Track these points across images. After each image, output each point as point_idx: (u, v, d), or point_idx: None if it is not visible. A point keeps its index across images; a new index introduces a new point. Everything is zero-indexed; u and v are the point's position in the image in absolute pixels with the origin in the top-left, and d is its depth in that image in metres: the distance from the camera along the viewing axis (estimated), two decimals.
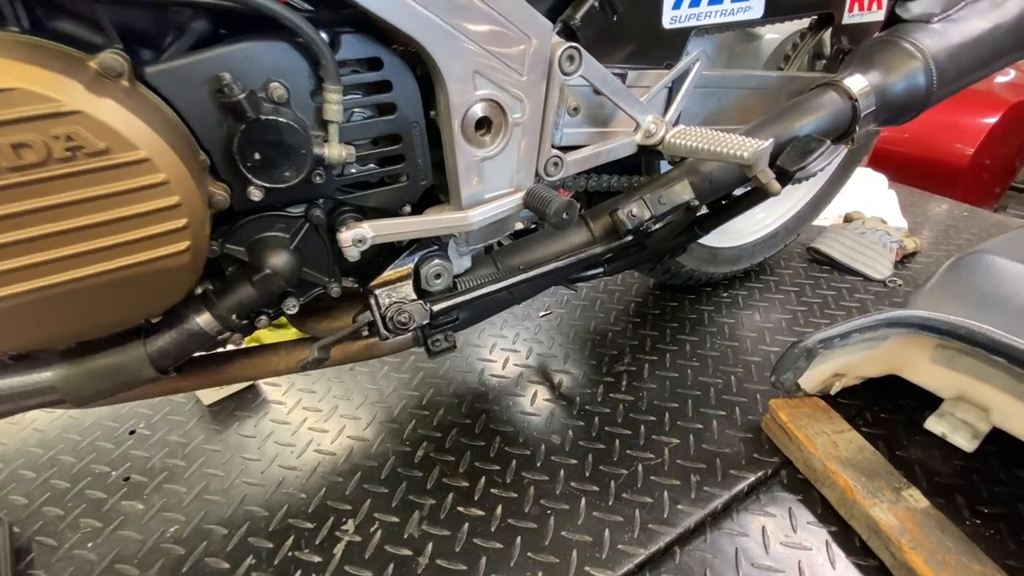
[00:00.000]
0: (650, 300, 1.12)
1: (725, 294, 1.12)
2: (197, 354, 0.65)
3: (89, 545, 0.71)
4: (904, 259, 1.22)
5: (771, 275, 1.18)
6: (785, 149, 0.57)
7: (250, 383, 0.96)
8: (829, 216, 1.31)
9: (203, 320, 0.45)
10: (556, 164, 0.55)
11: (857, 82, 0.62)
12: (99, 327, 0.37)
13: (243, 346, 0.67)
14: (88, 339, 0.42)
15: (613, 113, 0.62)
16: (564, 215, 0.48)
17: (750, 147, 0.48)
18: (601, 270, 0.79)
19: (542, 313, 1.10)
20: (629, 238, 0.61)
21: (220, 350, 0.64)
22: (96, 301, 0.35)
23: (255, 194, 0.44)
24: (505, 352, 1.00)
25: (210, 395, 0.92)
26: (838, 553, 0.65)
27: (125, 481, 0.79)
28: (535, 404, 0.88)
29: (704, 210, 0.74)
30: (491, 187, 0.52)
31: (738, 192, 0.69)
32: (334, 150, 0.44)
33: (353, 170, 0.49)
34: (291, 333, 0.98)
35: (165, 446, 0.85)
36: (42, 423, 0.91)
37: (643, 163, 0.74)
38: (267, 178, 0.43)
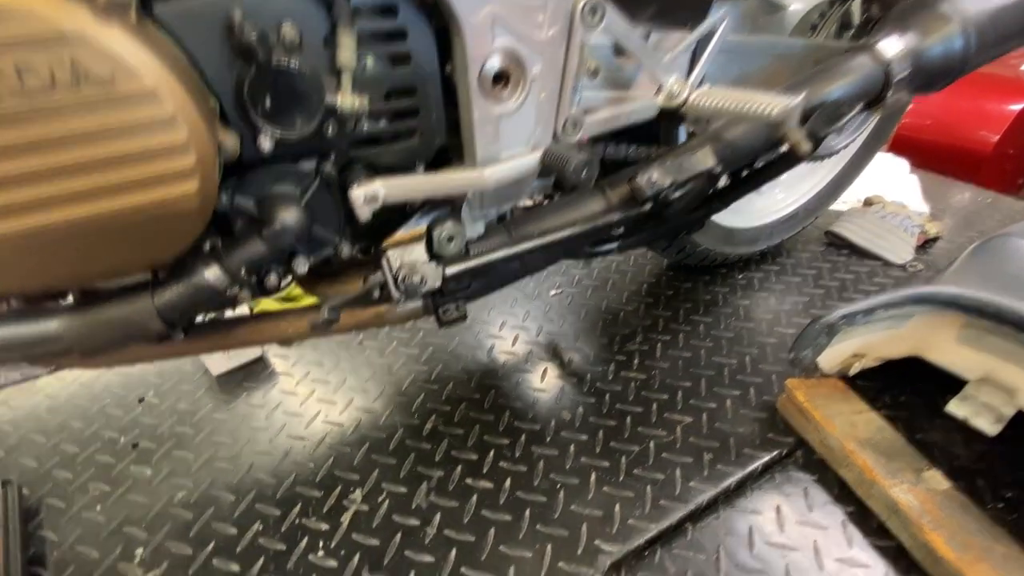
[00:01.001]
0: (663, 281, 1.10)
1: (740, 276, 1.10)
2: (205, 317, 0.64)
3: (97, 508, 0.71)
4: (925, 244, 1.19)
5: (788, 258, 1.15)
6: (814, 113, 0.55)
7: (258, 357, 0.95)
8: (848, 200, 1.27)
9: (212, 274, 0.44)
10: (575, 124, 0.53)
11: (891, 45, 0.59)
12: (104, 272, 0.36)
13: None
14: (94, 285, 0.41)
15: (633, 76, 0.59)
16: (584, 172, 0.46)
17: (779, 104, 0.46)
18: (615, 245, 0.77)
19: (553, 292, 1.09)
20: (647, 206, 0.59)
21: (229, 315, 0.64)
22: (101, 243, 0.34)
23: (265, 143, 0.42)
24: (515, 329, 0.99)
25: (219, 366, 0.92)
26: (855, 533, 0.63)
27: (134, 447, 0.79)
28: (545, 381, 0.87)
29: (723, 183, 0.72)
30: (507, 145, 0.50)
31: (760, 163, 0.67)
32: (347, 99, 0.43)
33: (366, 124, 0.47)
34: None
35: (174, 414, 0.85)
36: (53, 389, 0.92)
37: (662, 132, 0.71)
38: (278, 126, 0.42)
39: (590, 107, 0.55)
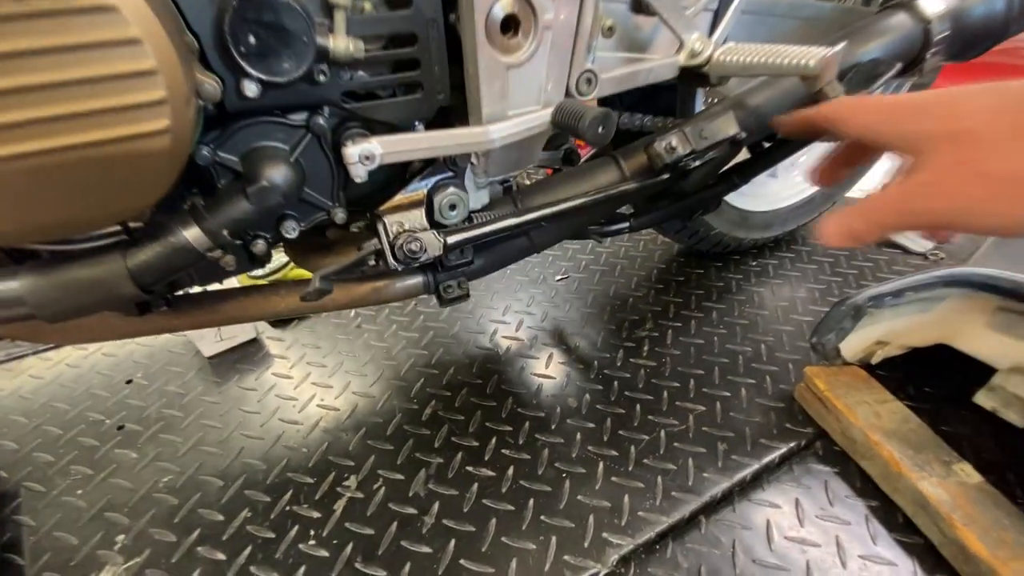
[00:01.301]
0: (674, 266, 1.06)
1: (754, 263, 1.06)
2: (191, 291, 0.61)
3: (79, 492, 0.67)
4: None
5: (803, 245, 1.11)
6: (847, 75, 0.51)
7: (252, 338, 0.91)
8: (866, 188, 1.23)
9: (191, 234, 0.40)
10: (589, 81, 0.48)
11: (932, 3, 0.55)
12: (65, 221, 0.32)
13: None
14: (55, 238, 0.37)
15: (652, 36, 0.55)
16: (600, 128, 0.42)
17: (817, 54, 0.42)
18: (627, 225, 0.73)
19: (559, 277, 1.05)
20: (665, 176, 0.55)
21: (216, 287, 0.60)
22: (61, 185, 0.30)
23: (250, 88, 0.38)
24: (519, 314, 0.95)
25: (210, 347, 0.88)
26: (879, 529, 0.59)
27: (119, 430, 0.76)
28: (550, 367, 0.83)
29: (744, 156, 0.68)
30: (516, 102, 0.46)
31: None
32: (340, 42, 0.39)
33: (362, 73, 0.43)
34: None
35: (162, 396, 0.81)
36: (38, 370, 0.88)
37: (679, 101, 0.67)
38: (263, 68, 0.38)
39: (606, 67, 0.51)
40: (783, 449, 0.68)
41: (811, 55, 0.42)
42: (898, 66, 0.50)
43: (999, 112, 0.28)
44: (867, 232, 0.34)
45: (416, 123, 0.47)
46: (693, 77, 0.53)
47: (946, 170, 0.29)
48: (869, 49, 0.53)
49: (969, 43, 0.58)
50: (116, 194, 0.32)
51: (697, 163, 0.54)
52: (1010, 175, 0.27)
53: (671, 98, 0.69)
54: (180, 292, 0.57)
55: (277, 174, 0.41)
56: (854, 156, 0.43)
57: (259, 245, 0.46)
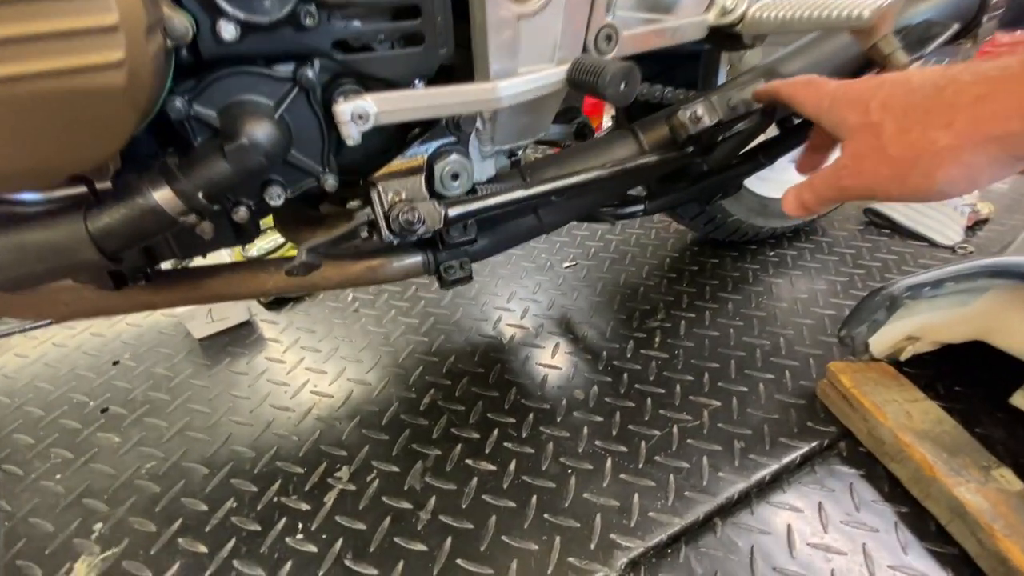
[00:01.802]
0: (687, 256, 1.01)
1: (772, 253, 1.00)
2: (172, 266, 0.56)
3: (57, 476, 0.64)
4: (974, 226, 1.09)
5: (823, 236, 1.06)
6: (901, 34, 0.46)
7: (245, 320, 0.88)
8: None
9: (161, 196, 0.36)
10: (609, 38, 0.44)
11: None
12: (8, 169, 0.28)
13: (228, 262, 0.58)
14: (1, 192, 0.33)
15: None
16: (623, 84, 0.38)
17: (871, 4, 0.37)
18: (641, 207, 0.69)
19: (567, 264, 1.00)
20: (688, 149, 0.50)
21: (202, 263, 0.56)
22: (1, 124, 0.26)
23: (227, 30, 0.34)
24: (524, 302, 0.90)
25: (201, 329, 0.84)
26: (910, 538, 0.55)
27: (103, 412, 0.72)
28: (556, 357, 0.79)
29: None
30: (527, 57, 0.41)
31: None
32: None
33: (356, 22, 0.39)
34: None
35: (149, 378, 0.78)
36: (23, 348, 0.85)
37: (700, 74, 0.62)
38: (241, 5, 0.33)
39: (627, 24, 0.46)
40: (804, 449, 0.63)
41: (864, 5, 0.37)
42: (955, 27, 0.45)
43: (890, 107, 0.35)
44: (814, 203, 0.41)
45: (416, 81, 0.43)
46: (724, 38, 0.48)
47: (862, 155, 0.37)
48: (921, 9, 0.48)
49: None
50: (68, 139, 0.28)
51: (723, 136, 0.49)
52: (903, 158, 0.34)
53: (692, 70, 0.64)
54: (168, 265, 0.53)
55: (259, 131, 0.37)
56: (822, 141, 0.47)
57: (240, 212, 0.42)
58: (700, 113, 0.47)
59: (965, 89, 0.32)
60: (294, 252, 1.01)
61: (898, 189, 0.35)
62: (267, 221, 0.60)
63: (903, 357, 0.70)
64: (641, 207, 0.68)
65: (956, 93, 0.32)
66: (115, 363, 0.81)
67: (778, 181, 0.94)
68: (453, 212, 0.45)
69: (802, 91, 0.42)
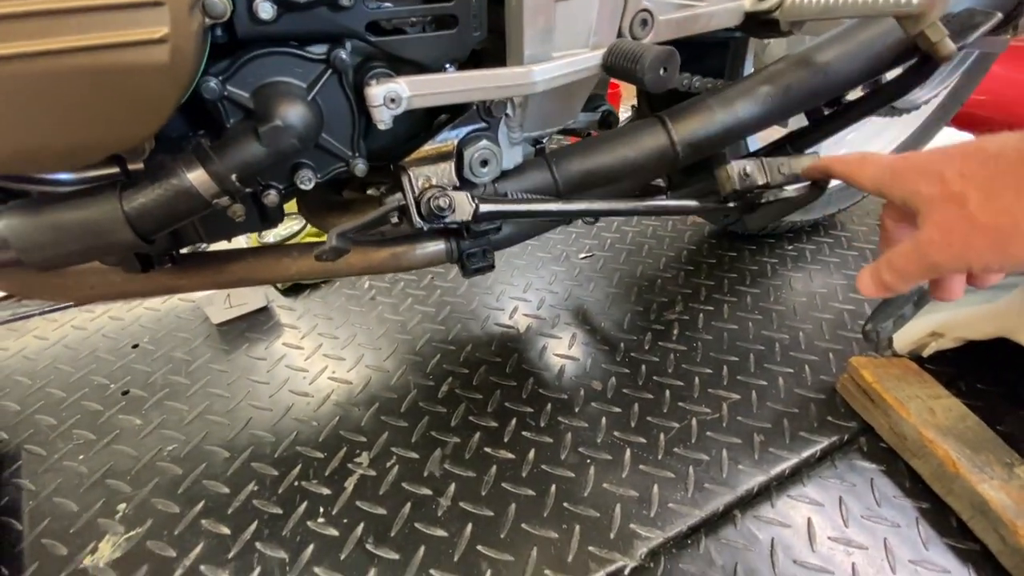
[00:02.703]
0: (705, 248, 1.00)
1: (790, 247, 1.00)
2: (197, 249, 0.57)
3: (80, 457, 0.65)
4: None
5: (843, 231, 1.04)
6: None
7: (263, 306, 0.88)
8: None
9: (195, 177, 0.36)
10: (645, 22, 0.43)
11: None
12: (50, 145, 0.27)
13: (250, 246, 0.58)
14: (41, 169, 0.33)
15: None
16: (662, 70, 0.37)
17: None
18: (664, 199, 0.68)
19: (583, 255, 1.00)
20: (729, 204, 0.50)
21: (226, 247, 0.56)
22: (45, 98, 0.25)
23: (264, 9, 0.33)
24: (541, 292, 0.90)
25: (219, 314, 0.85)
26: (931, 533, 0.55)
27: (124, 395, 0.73)
28: (573, 348, 0.79)
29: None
30: (562, 42, 0.41)
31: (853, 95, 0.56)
32: None
33: (389, 4, 0.38)
34: None
35: (169, 362, 0.78)
36: (43, 331, 0.86)
37: (728, 61, 0.61)
38: None
39: (663, 9, 0.45)
40: (824, 443, 0.63)
41: None
42: (998, 16, 0.44)
43: (971, 177, 0.34)
44: (895, 283, 0.39)
45: (448, 65, 0.42)
46: (760, 25, 0.47)
47: (950, 227, 0.35)
48: None
49: None
50: (109, 116, 0.28)
51: (768, 199, 0.50)
52: (1000, 226, 0.33)
53: (720, 58, 0.63)
54: (186, 250, 0.53)
55: (293, 113, 0.37)
56: (896, 218, 0.44)
57: (271, 196, 0.42)
58: (748, 171, 0.47)
59: None
60: (311, 238, 1.01)
61: (999, 258, 0.33)
62: (288, 207, 0.59)
63: (926, 353, 0.69)
64: (664, 199, 0.68)
65: None
66: (135, 346, 0.81)
67: None
68: (484, 209, 0.44)
69: (857, 168, 0.42)
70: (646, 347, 0.78)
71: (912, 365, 0.68)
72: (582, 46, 0.42)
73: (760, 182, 0.49)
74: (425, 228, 0.44)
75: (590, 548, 0.53)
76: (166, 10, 0.25)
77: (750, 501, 0.58)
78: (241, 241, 0.88)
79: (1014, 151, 0.33)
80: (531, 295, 0.90)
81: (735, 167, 0.49)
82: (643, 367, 0.74)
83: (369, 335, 0.82)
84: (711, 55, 0.65)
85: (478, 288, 0.91)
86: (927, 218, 0.36)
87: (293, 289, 0.92)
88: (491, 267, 0.59)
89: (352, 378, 0.74)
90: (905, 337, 0.67)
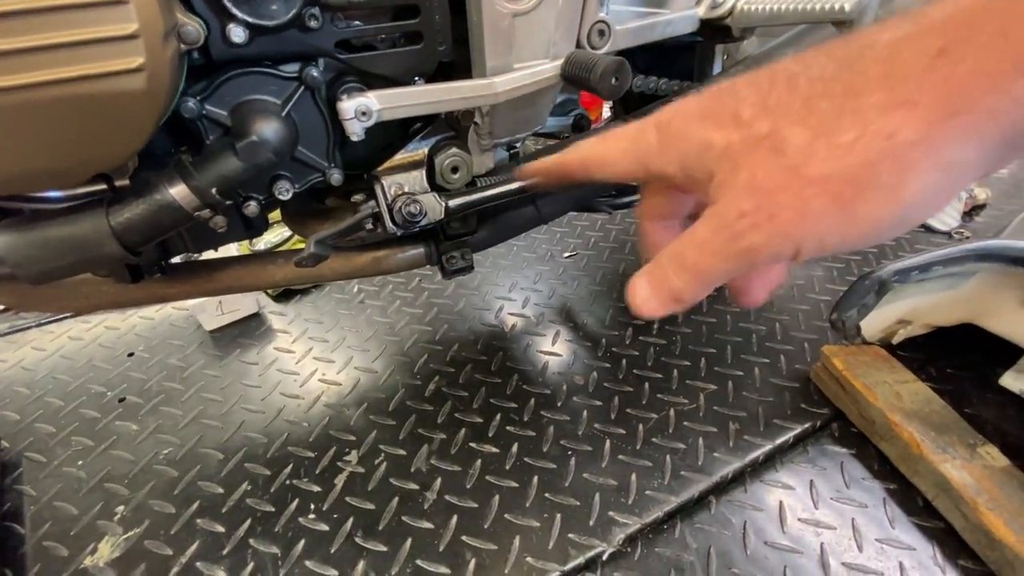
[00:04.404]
0: None
1: None
2: (185, 259, 0.59)
3: (79, 463, 0.67)
4: (971, 211, 1.10)
5: None
6: None
7: (254, 312, 0.90)
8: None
9: (177, 191, 0.38)
10: (602, 33, 0.45)
11: None
12: (37, 170, 0.30)
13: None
14: (29, 190, 0.35)
15: None
16: (614, 79, 0.39)
17: None
18: (638, 197, 0.70)
19: (567, 254, 1.02)
20: None
21: (213, 256, 0.58)
22: (29, 128, 0.28)
23: (237, 33, 0.36)
24: (526, 291, 0.92)
25: (212, 321, 0.87)
26: (897, 512, 0.57)
27: (120, 402, 0.75)
28: (557, 344, 0.81)
29: None
30: (523, 54, 0.43)
31: None
32: None
33: (358, 22, 0.40)
34: None
35: (163, 369, 0.80)
36: (41, 342, 0.88)
37: (696, 64, 0.64)
38: (249, 10, 0.35)
39: (620, 18, 0.47)
40: (797, 430, 0.65)
41: None
42: None
43: (778, 107, 0.21)
44: (692, 290, 0.24)
45: (416, 78, 0.45)
46: (714, 31, 0.49)
47: (767, 188, 0.21)
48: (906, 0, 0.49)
49: None
50: (91, 140, 0.30)
51: None
52: (840, 174, 0.20)
53: (688, 60, 0.65)
54: (175, 259, 0.55)
55: (268, 129, 0.39)
56: (666, 201, 0.30)
57: (251, 207, 0.44)
58: None
59: (906, 47, 0.19)
60: (300, 245, 1.03)
61: (843, 227, 0.20)
62: (275, 216, 0.62)
63: (896, 340, 0.72)
64: (638, 196, 0.70)
65: (892, 56, 0.19)
66: (130, 355, 0.84)
67: None
68: (453, 203, 0.47)
69: (602, 149, 0.28)
70: (627, 342, 0.80)
71: (882, 352, 0.71)
72: (542, 57, 0.44)
73: None
74: (399, 233, 0.46)
75: (570, 535, 0.55)
76: (141, 42, 0.28)
77: (724, 487, 0.60)
78: (232, 249, 0.90)
79: (830, 61, 0.21)
80: (516, 294, 0.92)
81: None
82: (624, 361, 0.77)
83: (358, 337, 0.84)
84: (680, 58, 0.68)
85: (464, 288, 0.94)
86: (728, 182, 0.22)
87: (284, 295, 0.94)
88: (470, 268, 0.61)
89: (342, 380, 0.77)
90: (874, 325, 0.69)
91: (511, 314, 0.87)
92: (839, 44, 0.21)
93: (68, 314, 0.88)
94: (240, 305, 0.88)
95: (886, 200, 0.20)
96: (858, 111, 0.19)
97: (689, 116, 0.24)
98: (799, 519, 0.57)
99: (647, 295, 0.25)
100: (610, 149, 0.27)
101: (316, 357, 0.81)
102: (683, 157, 0.24)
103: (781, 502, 0.58)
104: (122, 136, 0.31)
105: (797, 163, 0.20)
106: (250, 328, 0.88)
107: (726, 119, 0.22)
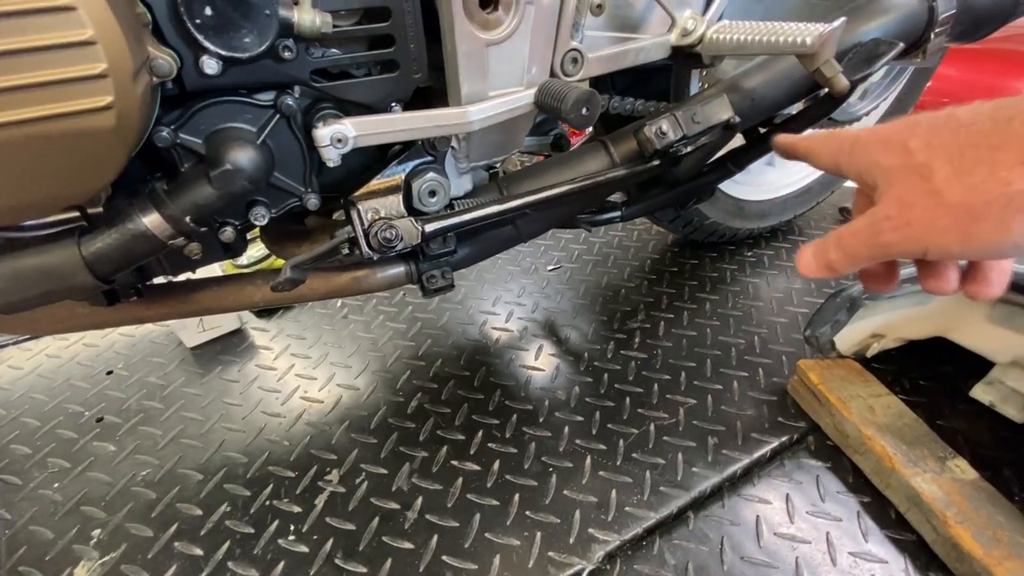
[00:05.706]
0: (667, 257, 1.04)
1: (749, 253, 1.04)
2: (163, 280, 0.58)
3: (55, 485, 0.66)
4: None
5: (800, 235, 1.09)
6: (847, 54, 0.48)
7: (236, 329, 0.90)
8: None
9: (151, 221, 0.38)
10: (575, 61, 0.46)
11: None
12: (7, 205, 0.30)
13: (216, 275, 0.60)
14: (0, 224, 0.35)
15: (643, 14, 0.53)
16: (584, 109, 0.40)
17: (813, 32, 0.40)
18: (618, 213, 0.71)
19: (550, 267, 1.03)
20: (654, 162, 0.53)
21: (190, 277, 0.58)
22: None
23: (210, 65, 0.36)
24: (509, 305, 0.93)
25: (193, 338, 0.86)
26: (871, 526, 0.58)
27: (98, 422, 0.74)
28: (540, 359, 0.81)
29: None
30: (497, 82, 0.44)
31: (781, 119, 0.60)
32: (306, 15, 0.36)
33: (333, 50, 0.41)
34: None
35: (143, 388, 0.80)
36: (17, 360, 0.87)
37: (672, 85, 0.65)
38: (222, 43, 0.35)
39: (593, 46, 0.48)
40: (774, 443, 0.66)
41: (808, 32, 0.40)
42: (900, 46, 0.47)
43: (938, 146, 0.30)
44: (842, 264, 0.35)
45: (393, 104, 0.45)
46: (686, 58, 0.50)
47: (910, 202, 0.30)
48: (870, 28, 0.51)
49: (977, 23, 0.56)
50: (61, 176, 0.30)
51: (688, 149, 0.52)
52: (968, 205, 0.28)
53: (664, 82, 0.67)
54: (152, 282, 0.55)
55: (243, 157, 0.39)
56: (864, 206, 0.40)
57: (227, 232, 0.44)
58: (665, 129, 0.50)
59: None
60: (281, 263, 1.03)
61: (960, 243, 0.28)
62: (256, 231, 0.62)
63: (870, 353, 0.73)
64: (618, 214, 0.71)
65: None
66: (109, 373, 0.83)
67: (752, 184, 0.97)
68: (430, 228, 0.47)
69: (819, 143, 0.38)
70: (609, 356, 0.81)
71: (856, 366, 0.72)
72: (517, 85, 0.45)
73: (676, 136, 0.49)
74: (375, 258, 0.47)
75: (550, 553, 0.56)
76: (110, 81, 0.28)
77: (703, 502, 0.61)
78: (215, 267, 0.90)
79: (988, 120, 0.28)
80: (500, 308, 0.93)
81: (651, 128, 0.49)
82: (605, 375, 0.77)
83: (341, 353, 0.84)
84: (657, 79, 0.69)
85: (448, 303, 0.94)
86: (885, 192, 0.31)
87: (267, 310, 0.94)
88: (451, 287, 0.61)
89: (324, 397, 0.76)
90: (848, 339, 0.71)
91: (494, 328, 0.88)
92: (1004, 107, 0.29)
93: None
94: (222, 322, 0.88)
95: (994, 229, 0.28)
96: (994, 161, 0.27)
97: (876, 137, 0.33)
98: (775, 534, 0.57)
99: (809, 259, 0.36)
100: (823, 147, 0.38)
101: (298, 374, 0.81)
102: (861, 168, 0.34)
103: (758, 516, 0.59)
104: (93, 171, 0.31)
105: (937, 190, 0.29)
106: (232, 344, 0.87)
107: (897, 147, 0.31)
